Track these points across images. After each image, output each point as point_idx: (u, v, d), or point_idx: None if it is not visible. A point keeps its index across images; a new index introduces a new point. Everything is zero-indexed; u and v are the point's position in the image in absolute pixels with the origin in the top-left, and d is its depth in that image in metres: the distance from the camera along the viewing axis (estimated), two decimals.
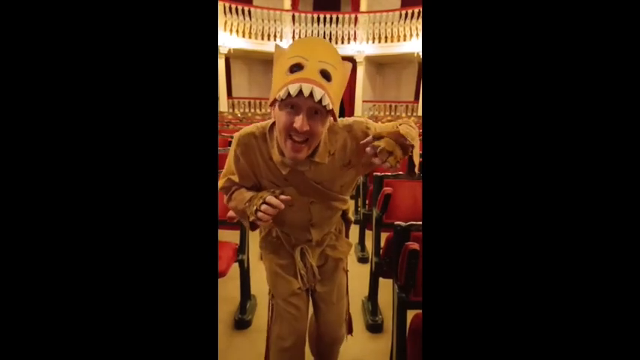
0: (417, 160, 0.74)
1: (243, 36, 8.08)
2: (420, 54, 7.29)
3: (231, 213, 1.09)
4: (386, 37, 8.19)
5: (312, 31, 8.27)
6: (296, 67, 0.68)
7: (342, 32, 8.35)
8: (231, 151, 0.85)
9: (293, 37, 8.29)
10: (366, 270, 1.80)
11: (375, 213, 1.58)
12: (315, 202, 0.87)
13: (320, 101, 0.67)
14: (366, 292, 1.71)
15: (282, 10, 8.35)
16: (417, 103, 8.59)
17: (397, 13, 8.09)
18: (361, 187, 2.34)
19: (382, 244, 1.52)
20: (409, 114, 8.68)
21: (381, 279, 1.59)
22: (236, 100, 9.22)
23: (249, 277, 1.63)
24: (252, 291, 1.69)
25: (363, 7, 8.36)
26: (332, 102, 0.69)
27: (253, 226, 0.85)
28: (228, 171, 0.89)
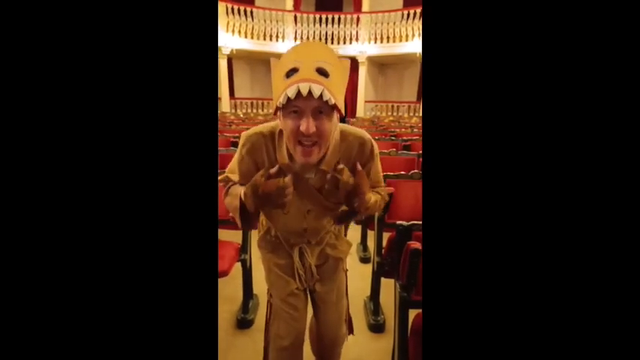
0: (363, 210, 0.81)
1: (246, 36, 8.10)
2: None
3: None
4: (388, 38, 8.19)
5: (314, 32, 8.28)
6: (292, 72, 0.68)
7: (344, 32, 8.35)
8: (238, 149, 0.85)
9: (295, 37, 8.30)
10: (368, 270, 1.80)
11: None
12: (312, 211, 0.87)
13: (321, 97, 0.66)
14: (368, 291, 1.71)
15: (284, 10, 8.36)
16: (419, 103, 8.58)
17: (399, 13, 8.09)
18: None
19: (384, 244, 1.52)
20: (411, 114, 8.67)
21: (383, 279, 1.59)
22: (238, 101, 9.24)
23: (251, 277, 1.64)
24: (255, 290, 1.70)
25: (365, 7, 8.36)
26: (333, 96, 0.67)
27: (245, 223, 0.84)
28: (229, 169, 0.89)
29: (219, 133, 3.14)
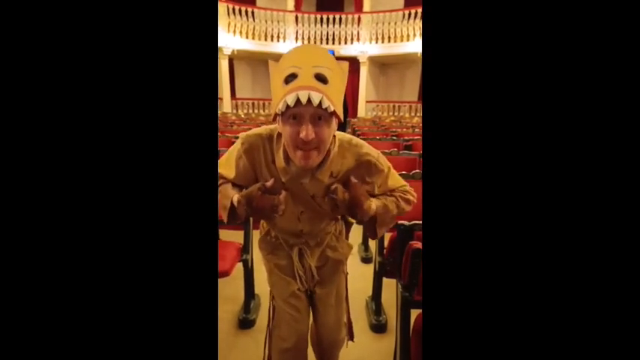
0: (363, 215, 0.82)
1: (247, 37, 8.10)
2: None
3: None
4: (389, 37, 8.18)
5: (315, 32, 8.28)
6: (290, 77, 0.68)
7: (345, 32, 8.34)
8: (235, 148, 0.85)
9: (296, 38, 8.31)
10: (369, 270, 1.80)
11: None
12: (305, 213, 0.88)
13: (320, 105, 0.66)
14: (369, 292, 1.71)
15: (286, 10, 8.36)
16: (421, 103, 8.56)
17: (400, 13, 8.08)
18: None
19: (386, 243, 1.52)
20: (412, 114, 8.66)
21: (384, 279, 1.59)
22: (240, 101, 9.25)
23: (253, 277, 1.64)
24: (256, 290, 1.70)
25: (366, 7, 8.35)
26: (332, 104, 0.68)
27: (231, 221, 0.85)
28: (221, 163, 0.87)
29: (220, 134, 3.15)
